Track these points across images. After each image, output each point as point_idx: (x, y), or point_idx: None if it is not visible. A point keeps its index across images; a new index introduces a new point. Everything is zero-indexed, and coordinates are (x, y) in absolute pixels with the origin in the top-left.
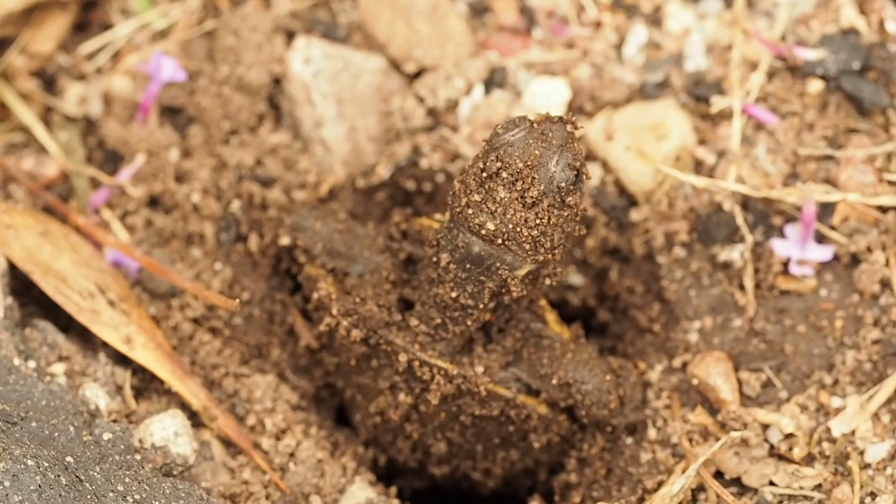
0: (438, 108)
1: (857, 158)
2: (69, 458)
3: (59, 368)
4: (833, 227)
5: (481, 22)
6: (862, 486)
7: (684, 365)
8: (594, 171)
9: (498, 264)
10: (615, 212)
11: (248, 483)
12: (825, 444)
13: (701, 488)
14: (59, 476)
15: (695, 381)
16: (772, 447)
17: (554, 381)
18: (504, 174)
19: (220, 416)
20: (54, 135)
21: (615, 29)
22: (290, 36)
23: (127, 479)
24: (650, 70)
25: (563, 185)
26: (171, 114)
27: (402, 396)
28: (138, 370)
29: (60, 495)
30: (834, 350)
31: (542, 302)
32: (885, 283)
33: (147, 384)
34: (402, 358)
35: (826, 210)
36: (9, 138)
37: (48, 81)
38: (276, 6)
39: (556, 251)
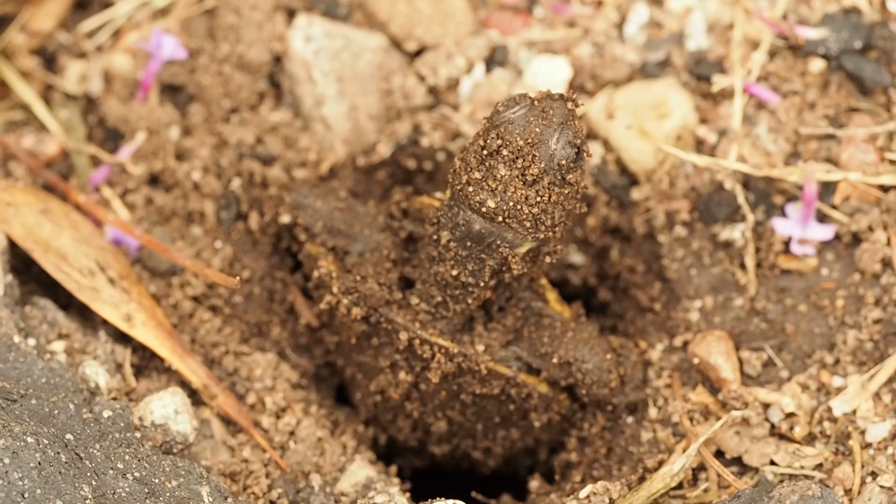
0: (439, 86)
1: (859, 137)
2: (69, 436)
3: (58, 346)
4: (834, 207)
5: (482, 0)
6: (863, 466)
7: (685, 344)
8: (595, 150)
9: (498, 242)
10: (616, 190)
11: (248, 461)
12: (826, 424)
13: (702, 467)
14: (58, 453)
15: (696, 361)
16: (773, 426)
17: (554, 360)
18: (505, 152)
19: (220, 394)
20: (55, 113)
21: (616, 7)
22: (290, 14)
23: (127, 457)
24: (651, 49)
25: (563, 162)
26: (172, 92)
27: (402, 375)
28: (138, 348)
29: (60, 472)
30: (835, 329)
31: (543, 281)
32: (886, 263)
33: (147, 362)
34: (403, 336)
35: (827, 189)
36: (9, 116)
37: (48, 59)
38: None
39: (557, 229)
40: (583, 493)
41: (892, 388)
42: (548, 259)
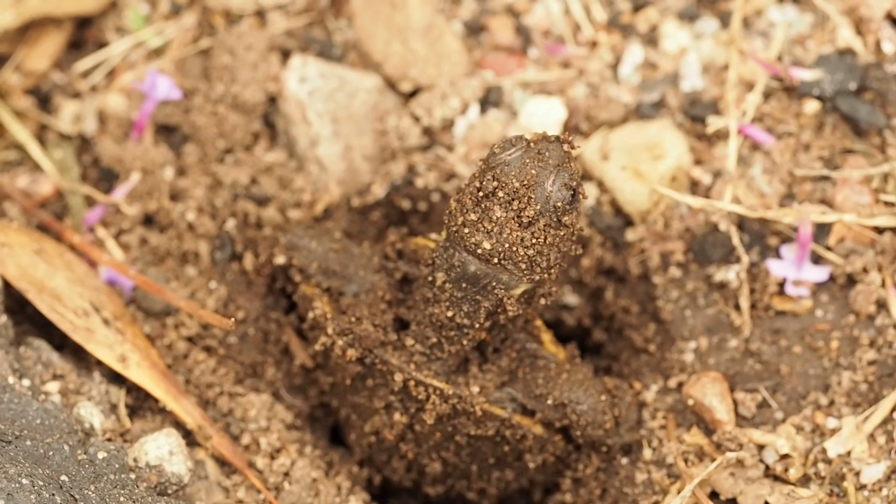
0: (434, 127)
1: (854, 179)
2: (64, 477)
3: (53, 387)
4: (829, 248)
5: (477, 41)
6: None
7: (680, 385)
8: (590, 191)
9: (494, 283)
10: (611, 231)
11: (243, 502)
12: (821, 465)
13: None
14: (53, 495)
15: (690, 402)
16: (767, 468)
17: (549, 402)
18: (500, 193)
19: (215, 435)
20: (49, 153)
21: (611, 48)
22: (285, 54)
23: (122, 499)
24: (646, 90)
25: (559, 204)
26: (167, 132)
27: (397, 416)
28: (133, 389)
29: None
30: (830, 371)
31: (538, 322)
32: (880, 304)
33: (141, 403)
34: (398, 377)
35: (822, 231)
36: (3, 156)
37: (43, 99)
38: (271, 24)
39: (552, 271)
40: None
41: (887, 430)
42: (543, 301)
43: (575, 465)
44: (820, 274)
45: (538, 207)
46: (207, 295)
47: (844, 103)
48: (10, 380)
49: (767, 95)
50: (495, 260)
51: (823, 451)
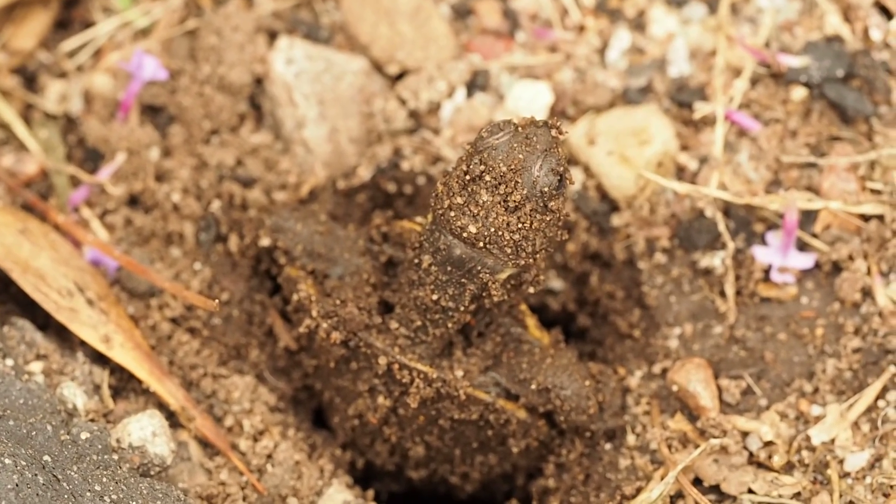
0: (420, 110)
1: (840, 166)
2: (46, 457)
3: (36, 367)
4: (815, 235)
5: (464, 24)
6: (841, 495)
7: (664, 371)
8: (576, 176)
9: (479, 267)
10: (596, 217)
11: (226, 484)
12: (804, 453)
13: (679, 495)
14: (36, 475)
15: (674, 388)
16: (751, 455)
17: (533, 386)
18: (487, 177)
19: (198, 416)
20: (34, 132)
21: (598, 33)
22: (272, 36)
23: (104, 479)
24: (633, 75)
25: (546, 189)
26: (152, 112)
27: (380, 399)
28: (116, 369)
29: (38, 494)
30: (814, 358)
31: (523, 306)
32: (866, 292)
33: (125, 384)
34: (382, 361)
35: (808, 218)
36: None
37: (29, 78)
38: (258, 6)
39: (538, 255)
40: None
41: (871, 418)
42: (531, 289)
43: (558, 450)
44: (805, 261)
45: (525, 192)
46: (192, 276)
47: (832, 90)
48: None
49: (755, 82)
50: (481, 244)
51: (807, 438)
